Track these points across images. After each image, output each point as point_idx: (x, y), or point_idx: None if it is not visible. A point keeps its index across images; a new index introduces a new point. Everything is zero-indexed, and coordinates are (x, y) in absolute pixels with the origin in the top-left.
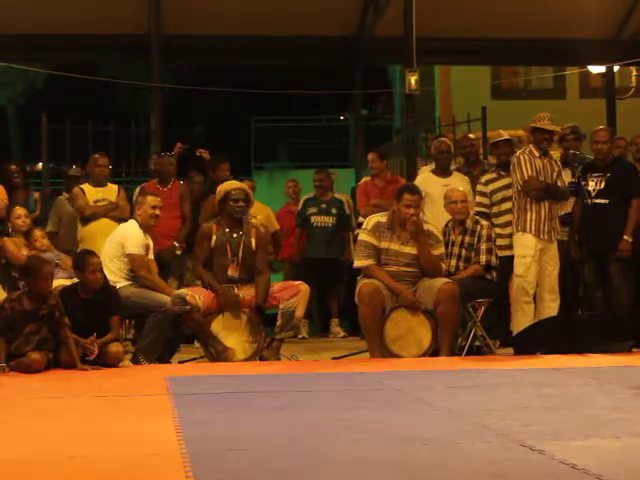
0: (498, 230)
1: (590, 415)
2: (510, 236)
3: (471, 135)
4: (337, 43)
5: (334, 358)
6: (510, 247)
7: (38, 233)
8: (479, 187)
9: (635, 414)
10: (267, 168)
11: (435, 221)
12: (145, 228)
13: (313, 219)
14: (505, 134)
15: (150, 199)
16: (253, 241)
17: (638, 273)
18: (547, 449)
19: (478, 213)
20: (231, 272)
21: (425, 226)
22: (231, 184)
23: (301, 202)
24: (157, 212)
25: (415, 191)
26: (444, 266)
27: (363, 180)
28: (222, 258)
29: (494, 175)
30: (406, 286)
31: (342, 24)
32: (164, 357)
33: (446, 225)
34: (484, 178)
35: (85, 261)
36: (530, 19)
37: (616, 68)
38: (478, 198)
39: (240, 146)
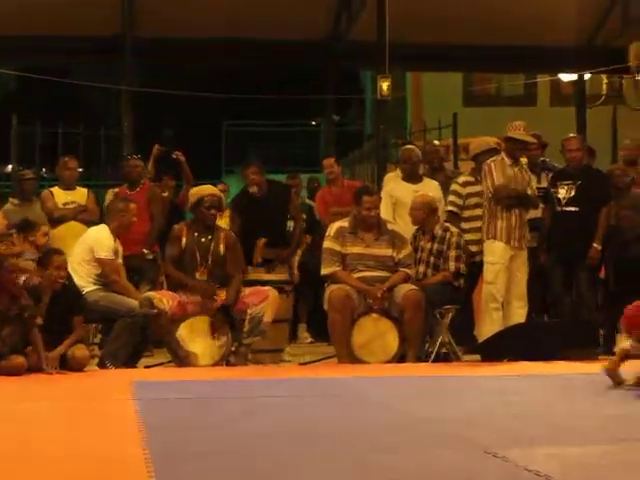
0: (467, 236)
1: (555, 422)
2: (478, 242)
3: (437, 142)
4: (310, 48)
5: (301, 364)
6: (478, 253)
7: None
8: (455, 187)
9: (599, 421)
10: (238, 172)
11: (406, 227)
12: (117, 234)
13: None
14: (492, 143)
15: (133, 207)
16: (222, 246)
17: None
18: (511, 456)
19: (449, 212)
20: (199, 276)
21: (389, 226)
22: (205, 189)
23: None
24: (135, 219)
25: (373, 192)
26: (412, 272)
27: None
28: (191, 261)
29: (472, 179)
30: (378, 287)
31: (315, 29)
32: (131, 361)
33: (416, 231)
34: (462, 179)
35: (50, 257)
36: (502, 26)
37: (587, 76)
38: (452, 197)
39: (211, 149)
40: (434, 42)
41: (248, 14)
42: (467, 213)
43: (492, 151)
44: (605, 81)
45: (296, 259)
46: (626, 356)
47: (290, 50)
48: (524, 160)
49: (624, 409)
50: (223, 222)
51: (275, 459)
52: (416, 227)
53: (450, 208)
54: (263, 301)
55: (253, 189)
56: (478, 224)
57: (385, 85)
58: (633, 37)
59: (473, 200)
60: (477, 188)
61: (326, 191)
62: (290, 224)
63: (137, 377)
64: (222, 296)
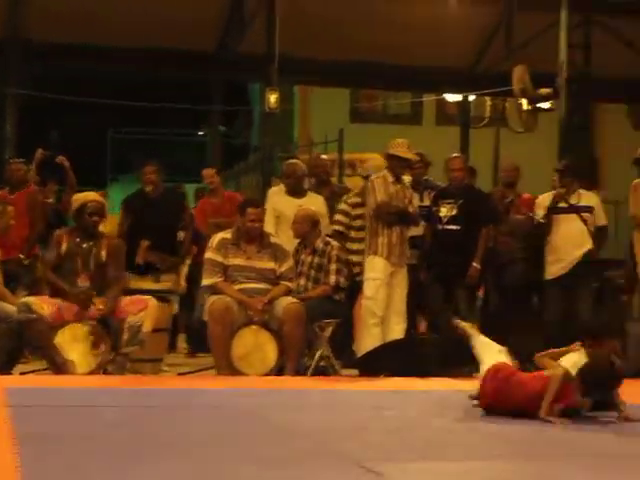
0: (353, 257)
1: (428, 438)
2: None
3: (325, 156)
4: (198, 58)
5: (180, 374)
6: (361, 273)
7: None
8: (344, 206)
9: (472, 437)
10: (122, 179)
11: (289, 241)
12: None
13: None
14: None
15: (10, 209)
16: (104, 252)
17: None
18: (385, 471)
19: (335, 231)
20: (81, 282)
21: (272, 239)
22: (88, 196)
23: None
24: (12, 222)
25: (258, 205)
26: (293, 285)
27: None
28: (71, 267)
29: (360, 200)
30: (258, 299)
31: (204, 39)
32: (6, 368)
33: (298, 245)
34: (352, 200)
35: None
36: (390, 45)
37: (471, 98)
38: (339, 216)
39: (97, 156)
40: (323, 57)
41: (139, 22)
42: (354, 234)
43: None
44: (489, 103)
45: (185, 269)
46: None
47: (179, 59)
48: (408, 178)
49: (497, 426)
50: (107, 228)
51: (146, 471)
52: (298, 241)
53: (336, 227)
54: (142, 310)
55: (148, 188)
56: (364, 246)
57: (273, 98)
58: (516, 62)
59: (359, 222)
60: (363, 211)
61: (206, 201)
62: (181, 234)
63: (10, 384)
64: (101, 304)
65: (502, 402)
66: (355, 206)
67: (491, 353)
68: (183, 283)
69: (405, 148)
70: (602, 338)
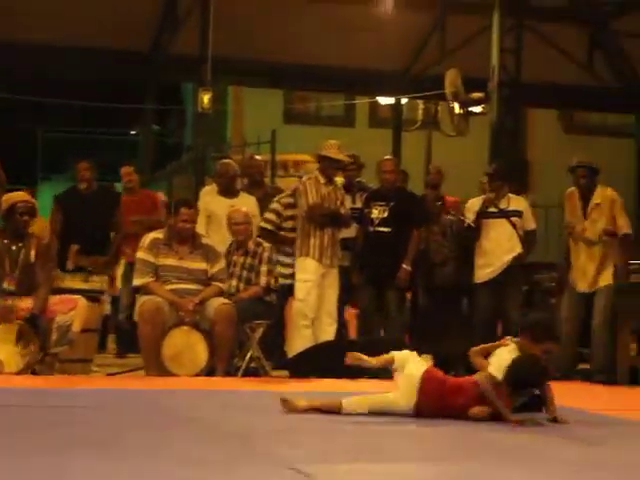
0: (283, 258)
1: (357, 440)
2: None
3: (258, 157)
4: (132, 58)
5: (109, 374)
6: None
7: None
8: (276, 205)
9: (402, 439)
10: (55, 178)
11: (221, 241)
12: None
13: None
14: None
15: None
16: (33, 253)
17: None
18: (314, 472)
19: (263, 229)
20: (7, 285)
21: (204, 240)
22: (17, 195)
23: None
24: None
25: (191, 205)
26: (224, 286)
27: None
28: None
29: (293, 201)
30: (189, 299)
31: (138, 39)
32: None
33: (229, 246)
34: (285, 200)
35: None
36: (323, 47)
37: (404, 101)
38: (270, 215)
39: (28, 155)
40: (257, 58)
41: (73, 21)
42: (285, 234)
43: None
44: (421, 107)
45: (120, 269)
46: None
47: (113, 59)
48: (340, 180)
49: (428, 428)
50: (36, 227)
51: (81, 470)
52: (230, 242)
53: (264, 225)
54: (72, 310)
55: (82, 185)
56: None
57: (206, 98)
58: (449, 66)
59: (290, 224)
60: (295, 212)
61: (124, 199)
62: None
63: None
64: (28, 304)
65: (437, 405)
66: (287, 207)
67: (414, 357)
68: (119, 284)
69: (336, 149)
70: (542, 338)
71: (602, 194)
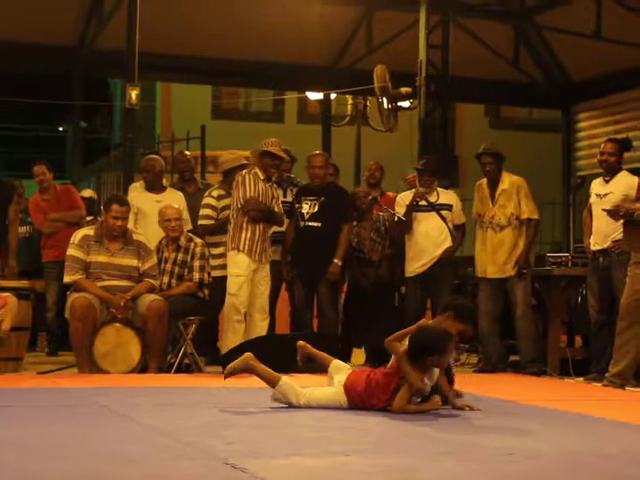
0: (215, 250)
1: (292, 434)
2: None
3: (188, 153)
4: (58, 53)
5: (40, 372)
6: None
7: None
8: (209, 200)
9: (334, 433)
10: None
11: (149, 237)
12: None
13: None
14: (243, 159)
15: None
16: None
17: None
18: (249, 467)
19: (202, 226)
20: None
21: (135, 236)
22: None
23: None
24: None
25: (124, 202)
26: (156, 283)
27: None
28: None
29: (224, 192)
30: (120, 296)
31: (64, 33)
32: None
33: (160, 242)
34: (215, 193)
35: None
36: (251, 43)
37: (333, 96)
38: (207, 210)
39: None
40: (184, 54)
41: None
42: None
43: (242, 167)
44: (350, 102)
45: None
46: None
47: (38, 54)
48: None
49: (361, 422)
50: None
51: (13, 470)
52: (160, 238)
53: (204, 222)
54: (2, 307)
55: None
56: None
57: (134, 94)
58: (377, 60)
59: (227, 213)
60: (229, 201)
61: (38, 198)
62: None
63: None
64: None
65: (367, 402)
66: (220, 198)
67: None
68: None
69: (278, 147)
70: (461, 318)
71: (509, 180)
